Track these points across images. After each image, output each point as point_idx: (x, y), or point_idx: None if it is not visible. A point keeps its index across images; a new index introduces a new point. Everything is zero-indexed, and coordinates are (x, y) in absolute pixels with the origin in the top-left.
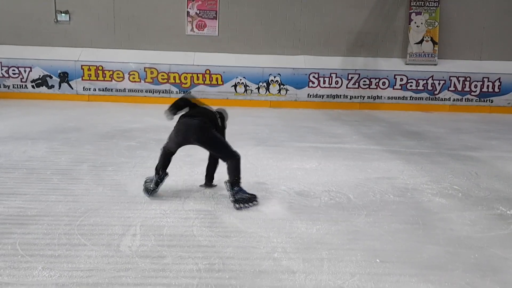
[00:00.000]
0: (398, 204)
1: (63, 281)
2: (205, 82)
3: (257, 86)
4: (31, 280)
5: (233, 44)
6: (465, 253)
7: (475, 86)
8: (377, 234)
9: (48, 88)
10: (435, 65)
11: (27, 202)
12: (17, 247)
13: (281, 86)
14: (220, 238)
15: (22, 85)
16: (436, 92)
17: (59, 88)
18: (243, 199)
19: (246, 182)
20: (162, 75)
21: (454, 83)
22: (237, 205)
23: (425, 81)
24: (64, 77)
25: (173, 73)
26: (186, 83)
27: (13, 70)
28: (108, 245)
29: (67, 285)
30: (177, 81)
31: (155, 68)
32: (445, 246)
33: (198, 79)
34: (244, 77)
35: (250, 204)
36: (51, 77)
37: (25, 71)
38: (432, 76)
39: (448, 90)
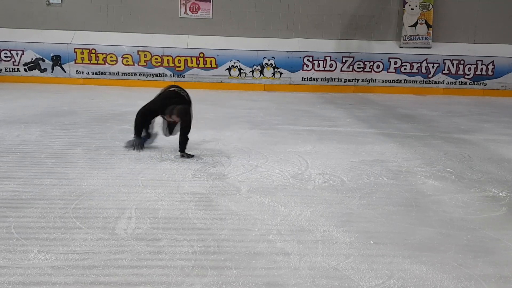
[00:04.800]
0: (391, 187)
1: (58, 264)
2: (199, 66)
3: (251, 69)
4: (27, 263)
5: (227, 27)
6: (458, 235)
7: (469, 69)
8: (371, 216)
9: (40, 72)
10: (429, 48)
11: (21, 185)
12: (12, 230)
13: (275, 70)
14: (215, 220)
15: (14, 68)
16: (430, 75)
17: (52, 72)
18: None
19: (240, 165)
20: (156, 59)
21: (448, 66)
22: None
23: (419, 64)
24: (57, 60)
25: (167, 56)
26: (180, 67)
27: (5, 53)
28: (104, 228)
29: (63, 267)
30: (171, 64)
31: (148, 52)
32: (438, 227)
33: (192, 62)
34: (238, 60)
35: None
36: (43, 61)
37: (17, 54)
38: (426, 59)
39: (442, 73)
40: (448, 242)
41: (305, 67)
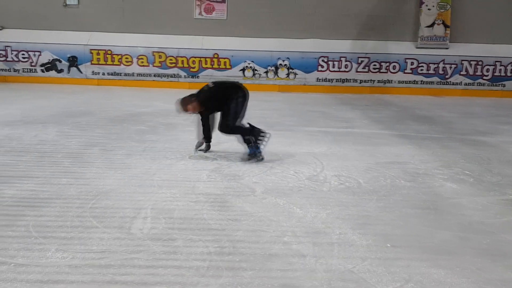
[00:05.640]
0: (409, 189)
1: (76, 263)
2: (213, 66)
3: (265, 70)
4: (45, 262)
5: (242, 28)
6: (476, 239)
7: (487, 70)
8: (388, 219)
9: (57, 72)
10: (447, 48)
11: (39, 185)
12: (31, 229)
13: (290, 70)
14: (230, 221)
15: (32, 69)
16: (447, 76)
17: (68, 72)
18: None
19: (255, 166)
20: (171, 59)
21: (466, 67)
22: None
23: (436, 65)
24: (73, 61)
25: (182, 57)
26: (194, 67)
27: (23, 54)
28: (120, 227)
29: (80, 266)
30: (185, 65)
31: (163, 52)
32: (456, 231)
33: (206, 63)
34: (252, 61)
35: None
36: (60, 61)
37: (34, 55)
38: (444, 60)
39: (460, 74)
40: (467, 246)
41: (320, 68)
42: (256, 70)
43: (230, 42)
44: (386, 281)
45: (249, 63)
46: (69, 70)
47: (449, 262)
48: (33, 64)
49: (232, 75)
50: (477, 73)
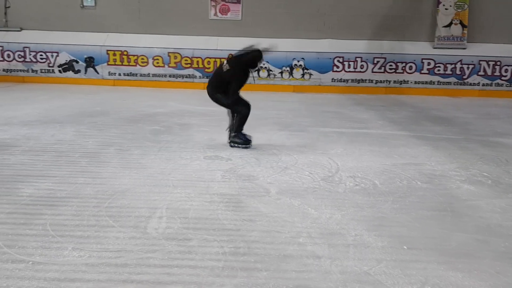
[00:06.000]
0: (425, 191)
1: (92, 261)
2: None
3: (280, 70)
4: (62, 260)
5: (257, 28)
6: (495, 241)
7: (506, 71)
8: (404, 221)
9: (74, 73)
10: (464, 49)
11: (56, 184)
12: (48, 227)
13: (305, 71)
14: (244, 222)
15: (50, 69)
16: (464, 77)
17: (85, 73)
18: (237, 142)
19: (269, 166)
20: (186, 60)
21: (484, 67)
22: (230, 144)
23: (453, 65)
24: (90, 62)
25: (197, 57)
26: (209, 68)
27: (41, 55)
28: (136, 227)
29: (96, 265)
30: (200, 65)
31: (178, 53)
32: (474, 233)
33: None
34: (267, 62)
35: (241, 146)
36: (77, 62)
37: (52, 56)
38: (461, 60)
39: (477, 75)
40: (485, 249)
41: (335, 68)
42: (270, 70)
43: (245, 42)
44: (402, 283)
45: (263, 64)
46: (86, 70)
47: (467, 265)
48: (50, 64)
49: None
50: (495, 74)
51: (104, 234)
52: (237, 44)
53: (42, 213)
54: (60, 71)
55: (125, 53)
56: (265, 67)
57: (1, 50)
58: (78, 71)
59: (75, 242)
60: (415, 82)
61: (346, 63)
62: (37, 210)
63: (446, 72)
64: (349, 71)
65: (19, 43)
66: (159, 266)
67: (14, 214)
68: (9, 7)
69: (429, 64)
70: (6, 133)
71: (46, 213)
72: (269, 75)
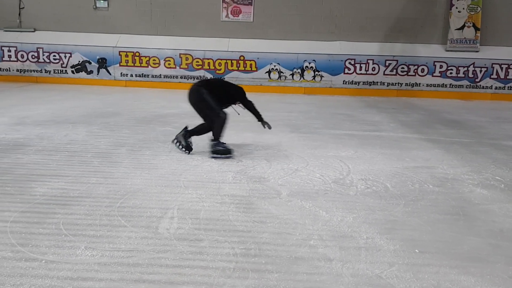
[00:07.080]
0: (437, 194)
1: (105, 261)
2: (239, 68)
3: (291, 72)
4: (75, 259)
5: (268, 30)
6: (508, 246)
7: None
8: (416, 224)
9: (87, 74)
10: (477, 51)
11: (69, 183)
12: (61, 226)
13: (316, 73)
14: (255, 223)
15: (63, 70)
16: (477, 80)
17: (97, 74)
18: (218, 151)
19: (280, 168)
20: (197, 61)
21: (497, 70)
22: (212, 155)
23: (465, 68)
24: (103, 63)
25: (208, 59)
26: (220, 69)
27: (54, 55)
28: (147, 227)
29: (108, 264)
30: (212, 67)
31: (190, 55)
32: (487, 238)
33: (232, 65)
34: (278, 63)
35: (223, 156)
36: (90, 63)
37: (65, 56)
38: (473, 63)
39: (490, 78)
40: (498, 253)
41: (346, 71)
42: (282, 72)
43: (256, 44)
44: (414, 287)
45: (275, 65)
46: (98, 71)
47: (480, 269)
48: (63, 65)
49: (258, 77)
50: (508, 77)
51: (116, 233)
52: (248, 46)
53: (55, 212)
54: (73, 72)
55: (137, 54)
56: (276, 69)
57: (15, 50)
58: (90, 72)
59: (87, 241)
60: (427, 85)
61: (357, 65)
62: (50, 209)
63: (459, 75)
64: (361, 74)
65: (32, 43)
66: (171, 266)
67: (28, 213)
68: (23, 8)
69: (441, 67)
70: (20, 133)
71: (59, 212)
72: (280, 77)
